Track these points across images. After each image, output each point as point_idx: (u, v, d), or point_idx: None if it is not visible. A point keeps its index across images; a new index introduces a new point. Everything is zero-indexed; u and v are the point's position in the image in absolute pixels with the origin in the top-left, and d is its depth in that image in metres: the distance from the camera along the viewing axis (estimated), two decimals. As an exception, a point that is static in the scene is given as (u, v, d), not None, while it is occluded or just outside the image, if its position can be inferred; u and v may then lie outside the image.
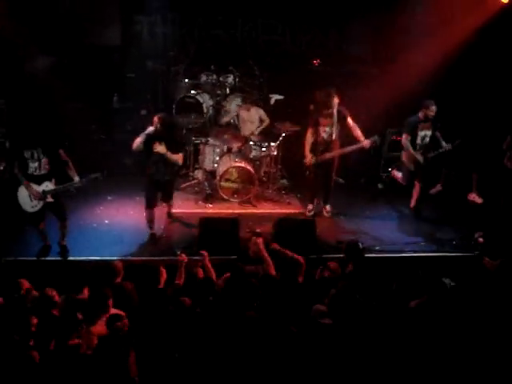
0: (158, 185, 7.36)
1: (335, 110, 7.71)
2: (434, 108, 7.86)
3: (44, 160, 6.46)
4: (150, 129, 6.99)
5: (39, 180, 6.50)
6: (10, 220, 7.31)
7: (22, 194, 6.54)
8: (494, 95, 9.60)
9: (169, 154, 7.06)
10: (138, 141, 6.98)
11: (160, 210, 7.80)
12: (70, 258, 6.86)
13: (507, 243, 7.23)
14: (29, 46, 9.38)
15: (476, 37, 9.46)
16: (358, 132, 7.84)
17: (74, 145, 9.15)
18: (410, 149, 8.05)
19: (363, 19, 11.16)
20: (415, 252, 7.59)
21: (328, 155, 7.92)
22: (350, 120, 7.84)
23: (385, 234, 8.00)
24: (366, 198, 9.14)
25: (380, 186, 9.73)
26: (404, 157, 8.34)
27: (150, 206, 7.37)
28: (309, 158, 7.91)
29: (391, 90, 10.01)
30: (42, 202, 6.55)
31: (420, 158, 8.03)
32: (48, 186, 6.52)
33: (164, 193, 7.59)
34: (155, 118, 7.04)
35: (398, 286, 5.46)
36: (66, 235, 6.98)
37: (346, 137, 8.03)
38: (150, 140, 6.99)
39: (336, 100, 7.66)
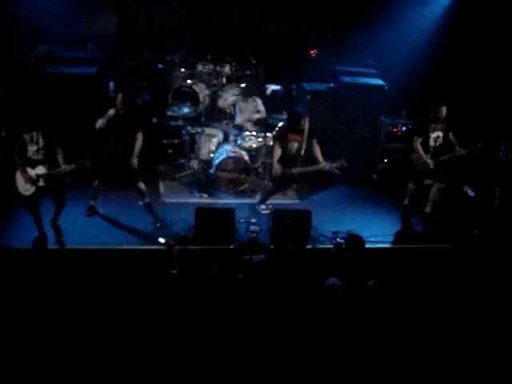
0: (117, 161, 7.42)
1: (306, 127, 7.72)
2: (443, 109, 7.81)
3: (42, 144, 6.58)
4: (111, 111, 7.17)
5: (35, 164, 6.62)
6: (5, 207, 7.36)
7: (19, 177, 6.65)
8: (490, 90, 9.62)
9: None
10: (102, 122, 7.20)
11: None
12: (67, 247, 6.89)
13: (503, 237, 7.30)
14: (25, 34, 9.34)
15: (474, 32, 9.48)
16: (318, 153, 7.81)
17: (70, 134, 9.17)
18: (421, 152, 7.96)
19: (361, 9, 11.11)
20: (408, 243, 7.66)
21: (295, 170, 7.84)
22: (315, 141, 7.83)
23: (379, 225, 8.03)
24: (360, 189, 9.18)
25: (375, 176, 9.76)
26: (414, 159, 8.20)
27: (104, 180, 7.49)
28: (276, 169, 7.78)
29: (389, 80, 10.02)
30: (34, 187, 6.65)
31: (429, 162, 7.94)
32: (41, 169, 6.63)
33: (128, 173, 7.49)
34: (119, 96, 7.26)
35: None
36: (59, 217, 7.03)
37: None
38: (112, 118, 7.21)
39: (306, 120, 7.66)
